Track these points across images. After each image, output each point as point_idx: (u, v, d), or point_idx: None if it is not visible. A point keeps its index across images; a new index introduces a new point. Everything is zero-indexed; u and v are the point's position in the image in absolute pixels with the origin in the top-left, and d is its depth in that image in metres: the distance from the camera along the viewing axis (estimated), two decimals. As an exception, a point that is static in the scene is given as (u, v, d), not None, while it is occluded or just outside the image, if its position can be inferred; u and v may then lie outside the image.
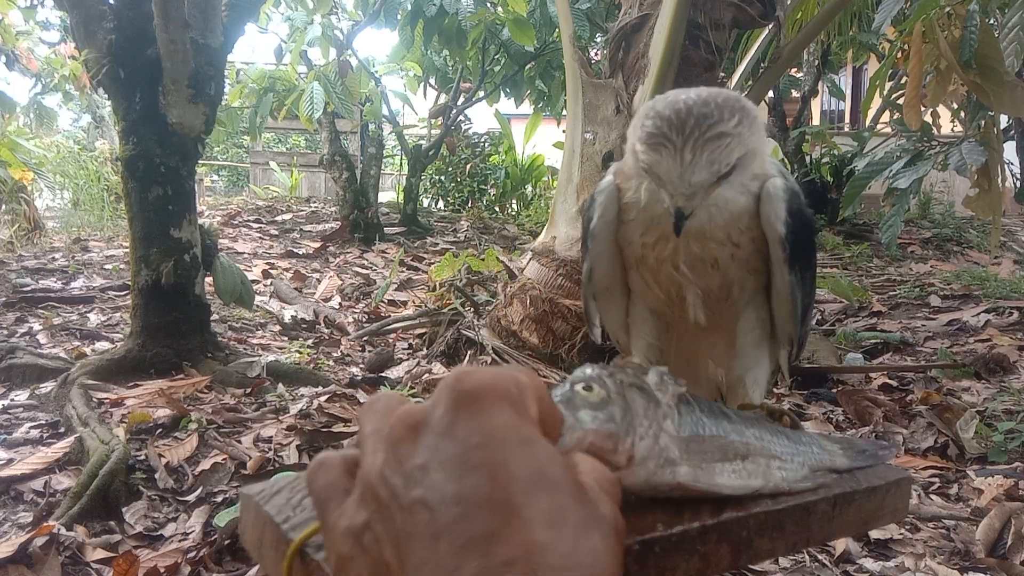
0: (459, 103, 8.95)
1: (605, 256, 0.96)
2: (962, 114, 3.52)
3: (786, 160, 9.16)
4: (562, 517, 0.39)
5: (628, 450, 0.53)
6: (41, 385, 3.20)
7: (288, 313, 4.71)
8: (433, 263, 5.50)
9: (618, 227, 0.93)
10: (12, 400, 3.06)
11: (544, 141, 10.50)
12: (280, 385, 3.21)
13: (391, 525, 0.39)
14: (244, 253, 6.65)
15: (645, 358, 0.99)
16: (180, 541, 2.11)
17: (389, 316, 4.74)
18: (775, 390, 3.34)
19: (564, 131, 4.40)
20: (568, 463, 0.47)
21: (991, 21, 3.43)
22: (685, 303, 0.91)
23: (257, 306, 4.53)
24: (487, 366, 0.47)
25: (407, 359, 3.89)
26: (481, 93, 8.75)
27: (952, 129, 4.04)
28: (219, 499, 2.34)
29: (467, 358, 3.61)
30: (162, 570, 1.94)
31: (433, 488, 0.39)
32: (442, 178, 11.04)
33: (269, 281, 5.50)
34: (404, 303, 5.15)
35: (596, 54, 8.52)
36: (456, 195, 11.01)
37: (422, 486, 0.39)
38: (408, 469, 0.40)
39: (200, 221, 3.61)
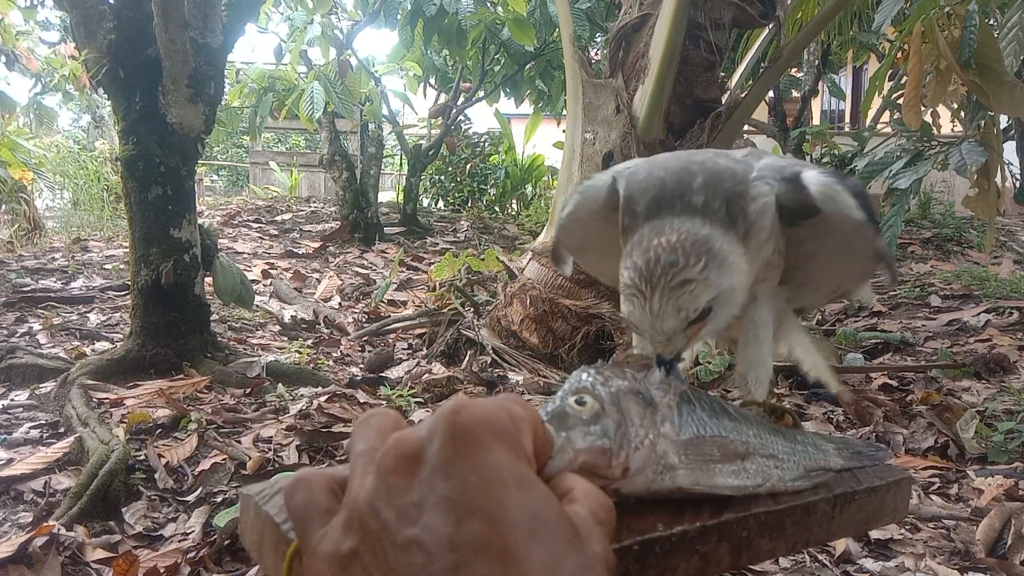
0: (459, 103, 8.94)
1: (576, 240, 1.01)
2: (962, 114, 3.52)
3: (786, 160, 9.16)
4: (558, 565, 0.38)
5: (623, 463, 0.52)
6: (41, 385, 3.20)
7: (288, 313, 4.71)
8: (433, 263, 5.50)
9: (604, 227, 0.96)
10: (12, 400, 3.06)
11: (544, 141, 10.50)
12: (280, 385, 3.21)
13: (382, 560, 0.38)
14: (244, 253, 6.65)
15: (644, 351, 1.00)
16: (180, 541, 2.11)
17: (389, 316, 4.74)
18: (775, 390, 3.34)
19: (564, 131, 4.40)
20: (562, 487, 0.46)
21: (990, 21, 3.43)
22: None
23: (257, 306, 4.53)
24: (482, 397, 0.46)
25: (407, 359, 3.89)
26: (481, 93, 8.74)
27: (952, 129, 4.04)
28: (219, 499, 2.34)
29: (467, 358, 3.61)
30: (162, 570, 1.94)
31: (429, 530, 0.38)
32: (442, 178, 11.03)
33: (269, 281, 5.50)
34: (404, 303, 5.15)
35: (596, 54, 8.52)
36: (456, 195, 11.00)
37: (417, 526, 0.38)
38: (402, 505, 0.39)
39: (200, 221, 3.61)
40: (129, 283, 3.57)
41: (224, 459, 2.52)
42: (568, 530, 0.40)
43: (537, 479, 0.42)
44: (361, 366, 3.84)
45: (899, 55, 3.49)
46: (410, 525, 0.38)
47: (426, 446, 0.41)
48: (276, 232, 7.85)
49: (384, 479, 0.41)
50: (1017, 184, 6.91)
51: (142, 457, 2.50)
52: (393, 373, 3.61)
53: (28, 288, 4.91)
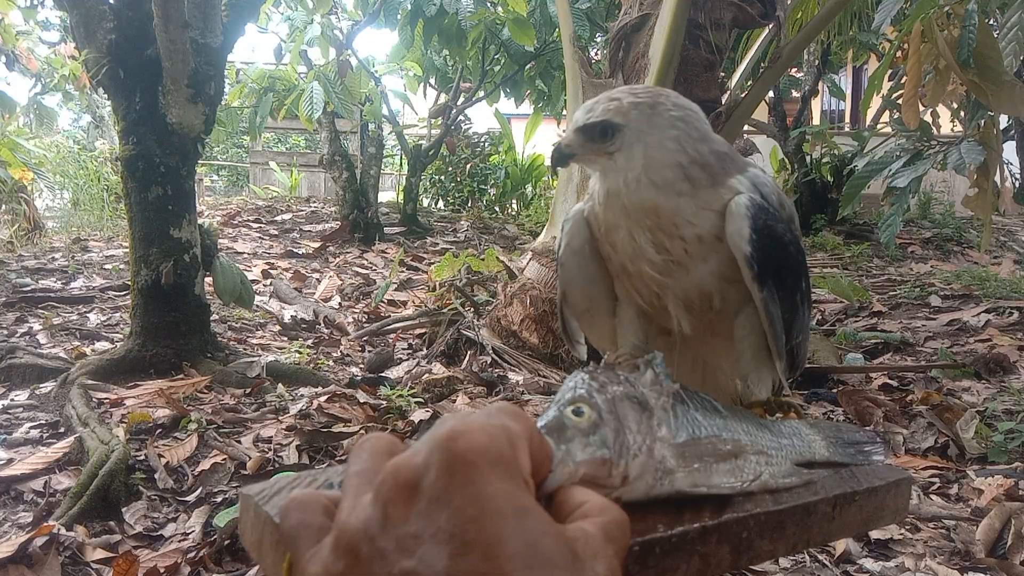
0: (459, 103, 8.95)
1: (578, 281, 1.00)
2: (962, 114, 3.52)
3: (786, 160, 9.17)
4: None
5: (622, 471, 0.53)
6: (41, 385, 3.20)
7: (288, 313, 4.71)
8: (433, 263, 5.50)
9: (594, 248, 0.97)
10: (12, 400, 3.06)
11: (544, 141, 10.48)
12: (280, 385, 3.21)
13: None
14: (244, 253, 6.65)
15: (635, 348, 1.00)
16: (180, 541, 2.11)
17: (389, 316, 4.74)
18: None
19: (564, 131, 4.40)
20: (573, 502, 0.46)
21: (990, 21, 3.43)
22: (669, 312, 0.94)
23: (257, 306, 4.53)
24: (477, 416, 0.45)
25: (407, 359, 3.89)
26: (481, 93, 8.75)
27: (952, 129, 4.03)
28: (219, 499, 2.34)
29: (467, 358, 3.61)
30: (162, 570, 1.94)
31: (426, 563, 0.38)
32: (442, 178, 11.03)
33: (269, 281, 5.50)
34: (404, 303, 5.15)
35: (596, 54, 8.53)
36: (456, 195, 11.00)
37: (414, 557, 0.38)
38: (400, 535, 0.39)
39: (200, 221, 3.61)
40: (129, 283, 3.57)
41: (224, 459, 2.52)
42: (567, 557, 0.40)
43: (535, 505, 0.42)
44: (361, 366, 3.84)
45: (898, 55, 3.49)
46: (407, 557, 0.38)
47: (423, 475, 0.40)
48: (276, 232, 7.85)
49: (382, 507, 0.40)
50: (1017, 184, 6.91)
51: (142, 457, 2.50)
52: (393, 373, 3.61)
53: (28, 288, 4.91)
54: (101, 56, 3.24)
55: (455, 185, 10.97)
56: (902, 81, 3.25)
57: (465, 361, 3.59)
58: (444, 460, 0.40)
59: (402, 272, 5.98)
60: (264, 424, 2.80)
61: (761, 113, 8.71)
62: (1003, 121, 6.49)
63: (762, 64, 4.33)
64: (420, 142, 9.14)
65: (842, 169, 8.58)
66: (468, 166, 10.78)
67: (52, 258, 5.97)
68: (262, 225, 8.16)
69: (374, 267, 6.55)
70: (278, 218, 8.63)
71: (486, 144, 11.00)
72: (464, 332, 3.77)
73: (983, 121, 3.34)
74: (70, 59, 7.30)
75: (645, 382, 0.59)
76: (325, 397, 3.03)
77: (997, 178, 3.26)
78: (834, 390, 3.39)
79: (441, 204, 11.26)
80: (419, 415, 2.84)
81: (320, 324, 4.65)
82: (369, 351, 4.12)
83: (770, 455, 0.62)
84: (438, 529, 0.38)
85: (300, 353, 3.90)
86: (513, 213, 10.69)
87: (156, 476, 2.42)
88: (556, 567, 0.39)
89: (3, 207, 7.23)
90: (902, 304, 5.03)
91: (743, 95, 3.78)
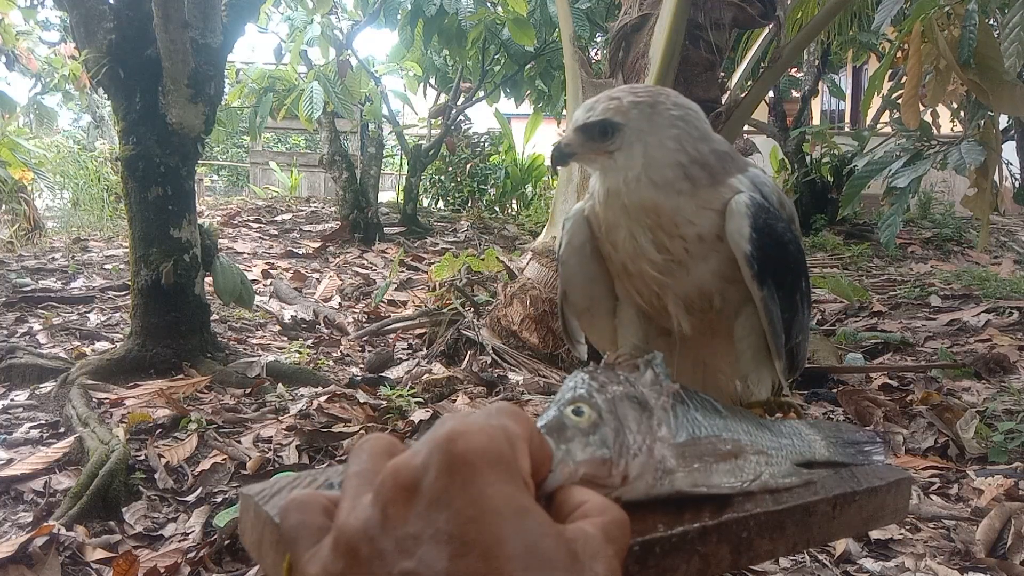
0: (459, 103, 8.95)
1: (578, 279, 1.00)
2: (961, 114, 3.52)
3: (786, 160, 9.17)
4: None
5: (622, 471, 0.53)
6: (41, 385, 3.20)
7: (288, 313, 4.71)
8: (433, 263, 5.50)
9: (595, 247, 0.97)
10: (12, 400, 3.06)
11: (544, 141, 10.49)
12: (280, 385, 3.21)
13: None
14: (244, 253, 6.65)
15: (635, 348, 1.00)
16: (180, 541, 2.11)
17: (389, 316, 4.74)
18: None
19: (564, 131, 4.40)
20: (574, 502, 0.46)
21: (990, 21, 3.43)
22: (669, 313, 0.93)
23: (257, 306, 4.53)
24: (477, 417, 0.45)
25: (407, 359, 3.89)
26: (481, 93, 8.75)
27: (952, 129, 4.04)
28: (219, 499, 2.34)
29: (467, 358, 3.61)
30: (162, 570, 1.94)
31: (426, 563, 0.38)
32: (442, 178, 11.04)
33: (269, 281, 5.50)
34: (404, 303, 5.15)
35: (596, 54, 8.53)
36: (456, 195, 11.00)
37: (414, 558, 0.38)
38: (399, 536, 0.39)
39: (200, 221, 3.61)
40: (129, 283, 3.57)
41: (224, 459, 2.52)
42: (566, 557, 0.40)
43: (534, 506, 0.42)
44: (361, 366, 3.84)
45: (899, 55, 3.49)
46: (407, 557, 0.38)
47: (422, 475, 0.40)
48: (276, 232, 7.85)
49: (382, 508, 0.40)
50: (1016, 184, 6.91)
51: (142, 457, 2.50)
52: (393, 373, 3.61)
53: (28, 288, 4.91)
54: (101, 56, 3.24)
55: (455, 185, 10.97)
56: (902, 81, 3.25)
57: (465, 361, 3.59)
58: (444, 461, 0.40)
59: (402, 272, 5.98)
60: (264, 424, 2.80)
61: (761, 113, 8.72)
62: (1003, 121, 6.50)
63: (762, 64, 4.33)
64: (420, 142, 9.14)
65: (842, 169, 8.58)
66: (468, 166, 10.78)
67: (52, 258, 5.97)
68: (262, 225, 8.15)
69: (374, 267, 6.55)
70: (278, 218, 8.62)
71: (486, 144, 11.01)
72: (464, 332, 3.77)
73: (983, 121, 3.35)
74: (70, 59, 7.29)
75: (645, 382, 0.59)
76: (325, 397, 3.03)
77: (996, 178, 3.27)
78: (834, 390, 3.39)
79: (441, 204, 11.26)
80: (419, 415, 2.84)
81: (320, 324, 4.65)
82: (369, 351, 4.12)
83: (770, 455, 0.62)
84: (437, 530, 0.38)
85: (300, 353, 3.90)
86: (513, 213, 10.69)
87: (156, 476, 2.42)
88: (555, 568, 0.39)
89: (3, 207, 7.23)
90: (902, 304, 5.04)
91: (743, 95, 3.78)
